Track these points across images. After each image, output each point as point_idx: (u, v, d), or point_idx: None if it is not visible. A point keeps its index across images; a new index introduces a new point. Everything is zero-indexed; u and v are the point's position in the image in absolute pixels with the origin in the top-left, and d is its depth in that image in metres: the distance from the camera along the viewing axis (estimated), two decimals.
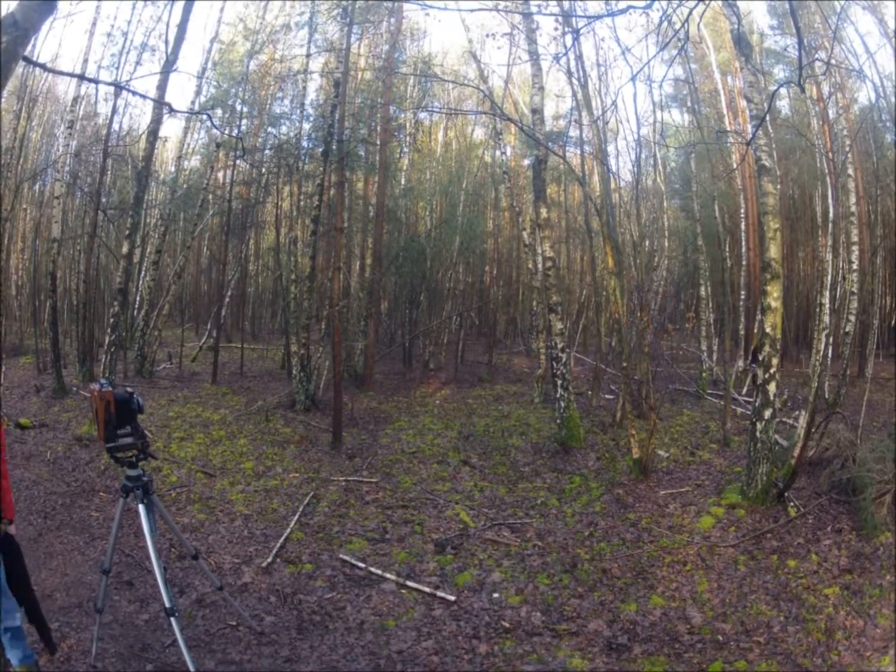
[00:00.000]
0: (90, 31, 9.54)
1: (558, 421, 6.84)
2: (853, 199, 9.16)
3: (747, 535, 4.28)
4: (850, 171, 9.34)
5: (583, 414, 7.61)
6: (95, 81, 8.95)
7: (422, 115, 13.60)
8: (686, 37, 3.65)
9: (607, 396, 9.27)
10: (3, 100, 8.39)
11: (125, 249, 8.49)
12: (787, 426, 6.65)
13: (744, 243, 12.25)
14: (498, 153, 12.56)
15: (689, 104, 12.45)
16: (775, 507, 4.61)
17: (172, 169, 14.67)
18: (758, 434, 4.73)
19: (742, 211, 12.21)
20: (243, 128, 12.11)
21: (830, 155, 9.25)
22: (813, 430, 4.87)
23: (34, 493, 4.99)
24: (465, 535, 4.56)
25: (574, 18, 5.33)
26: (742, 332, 11.94)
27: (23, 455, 5.86)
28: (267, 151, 12.31)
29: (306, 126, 11.41)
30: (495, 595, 3.70)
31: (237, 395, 8.81)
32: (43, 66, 3.20)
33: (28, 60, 2.67)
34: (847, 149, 9.06)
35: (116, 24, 9.99)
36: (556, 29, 6.10)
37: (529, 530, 4.68)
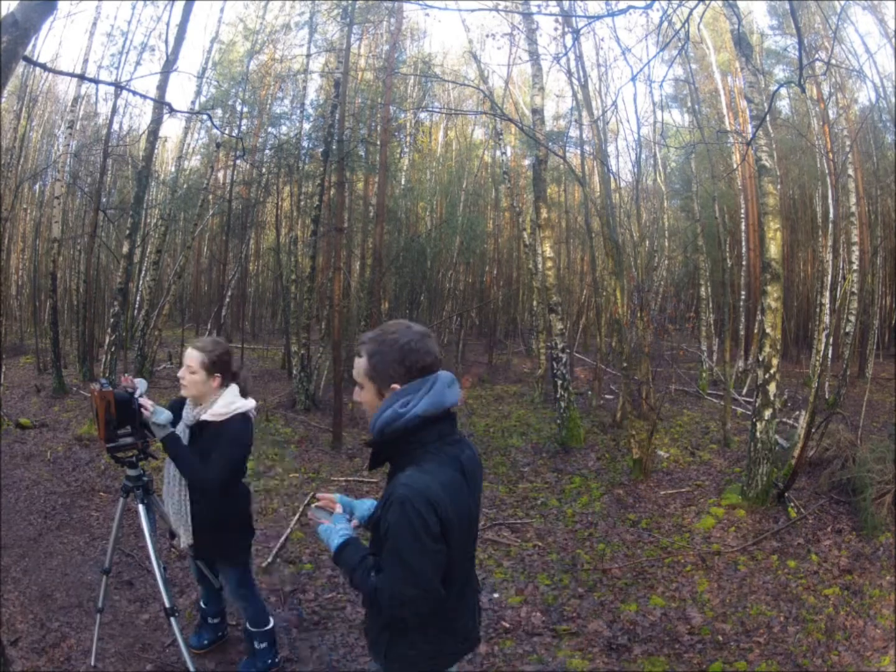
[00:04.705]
0: (90, 31, 9.55)
1: (558, 421, 6.84)
2: (853, 200, 9.17)
3: (747, 536, 4.28)
4: (851, 172, 9.35)
5: (583, 414, 7.60)
6: (95, 81, 8.96)
7: (422, 115, 13.61)
8: (686, 37, 3.66)
9: (607, 396, 9.27)
10: (3, 100, 8.39)
11: (125, 249, 8.49)
12: (788, 426, 6.65)
13: (744, 243, 12.25)
14: (498, 153, 12.56)
15: (689, 104, 12.45)
16: (775, 507, 4.61)
17: (172, 169, 14.67)
18: (758, 434, 4.72)
19: (742, 211, 12.21)
20: (243, 128, 12.11)
21: (831, 155, 9.26)
22: (813, 430, 4.87)
23: (34, 493, 4.98)
24: None
25: (574, 18, 5.34)
26: (742, 332, 11.95)
27: (23, 455, 5.86)
28: (267, 151, 12.32)
29: (306, 126, 11.44)
30: (495, 595, 3.69)
31: None
32: (43, 66, 3.19)
33: (28, 60, 2.66)
34: (847, 149, 9.07)
35: (116, 24, 10.04)
36: (556, 29, 6.13)
37: (529, 530, 4.67)
